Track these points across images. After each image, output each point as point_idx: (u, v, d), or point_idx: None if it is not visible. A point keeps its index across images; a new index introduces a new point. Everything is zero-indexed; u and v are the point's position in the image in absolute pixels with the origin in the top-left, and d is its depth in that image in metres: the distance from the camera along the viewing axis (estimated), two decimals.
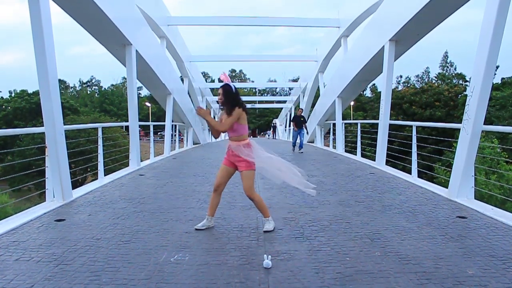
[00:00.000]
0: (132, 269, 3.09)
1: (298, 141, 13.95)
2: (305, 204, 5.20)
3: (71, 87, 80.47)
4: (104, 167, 7.64)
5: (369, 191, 6.17)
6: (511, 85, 40.05)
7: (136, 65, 9.13)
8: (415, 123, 7.81)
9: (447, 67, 67.10)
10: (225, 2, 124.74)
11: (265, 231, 4.04)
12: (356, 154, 11.35)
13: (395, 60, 9.11)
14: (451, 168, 5.72)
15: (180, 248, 3.55)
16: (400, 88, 62.25)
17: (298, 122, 13.98)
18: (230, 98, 4.08)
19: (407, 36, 8.52)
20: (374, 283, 2.81)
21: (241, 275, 2.98)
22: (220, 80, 4.79)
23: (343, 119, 13.97)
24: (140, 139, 10.21)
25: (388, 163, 8.99)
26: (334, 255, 3.35)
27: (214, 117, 6.76)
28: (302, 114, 14.82)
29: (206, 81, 40.94)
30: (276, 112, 49.78)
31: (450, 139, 14.55)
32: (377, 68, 10.15)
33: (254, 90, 71.26)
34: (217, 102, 4.26)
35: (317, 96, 19.08)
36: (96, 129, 7.95)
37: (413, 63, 64.69)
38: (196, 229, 4.12)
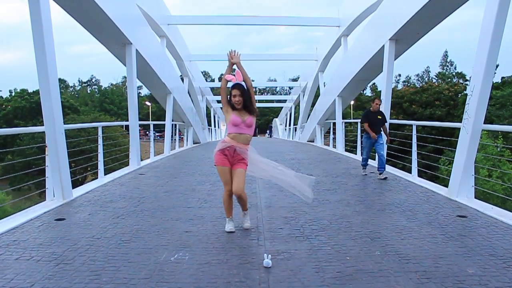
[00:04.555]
0: (132, 268, 3.09)
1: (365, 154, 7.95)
2: (305, 203, 5.18)
3: (71, 86, 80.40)
4: (104, 166, 7.66)
5: (369, 190, 6.17)
6: (511, 84, 40.04)
7: (136, 64, 9.15)
8: (415, 122, 7.84)
9: (447, 66, 67.06)
10: (226, 1, 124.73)
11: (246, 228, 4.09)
12: (356, 154, 11.35)
13: (395, 59, 9.13)
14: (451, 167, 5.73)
15: (180, 247, 3.55)
16: (400, 87, 62.23)
17: (375, 122, 7.62)
18: (249, 97, 4.08)
19: (407, 35, 8.54)
20: (374, 282, 2.81)
21: (241, 274, 2.98)
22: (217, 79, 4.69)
23: (343, 118, 13.98)
24: (140, 138, 10.22)
25: (388, 162, 8.98)
26: (334, 254, 3.35)
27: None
28: (381, 110, 8.04)
29: (206, 81, 40.91)
30: (276, 111, 49.69)
31: (450, 138, 14.53)
32: (377, 67, 10.16)
33: (254, 89, 71.40)
34: (230, 101, 4.06)
35: (317, 95, 19.07)
36: (96, 128, 7.98)
37: (413, 62, 64.65)
38: (229, 232, 4.00)
